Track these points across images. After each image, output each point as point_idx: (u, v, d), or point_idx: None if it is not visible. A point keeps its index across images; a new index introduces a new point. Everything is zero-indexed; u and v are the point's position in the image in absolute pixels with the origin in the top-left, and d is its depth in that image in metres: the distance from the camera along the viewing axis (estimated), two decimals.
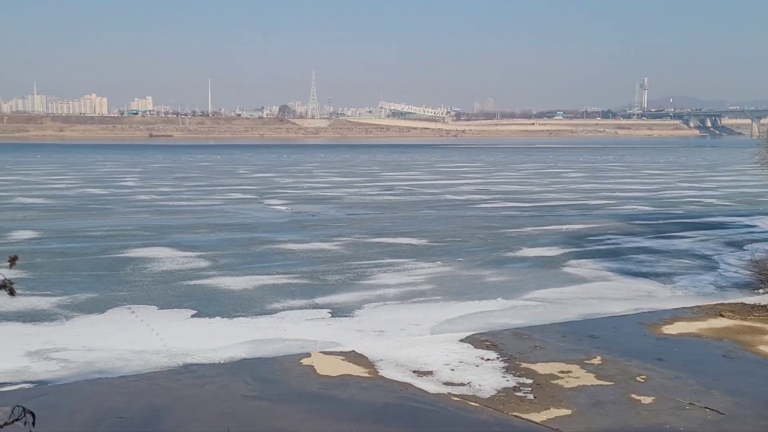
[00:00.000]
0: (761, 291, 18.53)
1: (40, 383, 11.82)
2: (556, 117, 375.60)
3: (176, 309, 16.77)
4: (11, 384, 11.67)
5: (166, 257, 23.45)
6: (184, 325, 15.46)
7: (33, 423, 3.95)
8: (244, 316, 16.23)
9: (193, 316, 16.18)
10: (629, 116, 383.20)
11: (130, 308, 16.78)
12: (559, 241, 27.13)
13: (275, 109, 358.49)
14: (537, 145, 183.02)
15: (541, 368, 12.49)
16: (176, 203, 41.35)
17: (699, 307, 16.99)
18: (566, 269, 21.84)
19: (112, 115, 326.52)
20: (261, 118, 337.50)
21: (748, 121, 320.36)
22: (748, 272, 20.81)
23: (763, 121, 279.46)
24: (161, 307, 16.89)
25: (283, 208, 38.99)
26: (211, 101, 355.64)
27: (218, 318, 16.03)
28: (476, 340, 14.17)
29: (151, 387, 11.62)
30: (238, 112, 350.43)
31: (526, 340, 14.24)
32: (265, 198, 44.40)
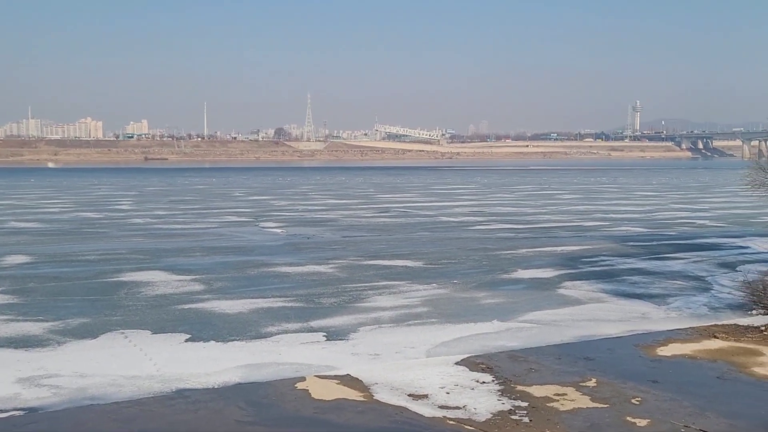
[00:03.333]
0: (754, 312, 18.56)
1: (31, 410, 11.72)
2: (549, 139, 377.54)
3: (170, 333, 16.70)
4: (2, 411, 11.58)
5: (160, 281, 23.39)
6: (177, 350, 15.38)
7: None
8: (238, 340, 16.16)
9: (187, 341, 16.10)
10: (622, 138, 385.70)
11: (123, 333, 16.69)
12: (554, 262, 27.16)
13: (271, 131, 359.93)
14: (531, 167, 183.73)
15: (537, 391, 12.45)
16: (171, 226, 41.31)
17: (693, 328, 17.00)
18: (561, 291, 21.85)
19: (107, 138, 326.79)
20: (257, 140, 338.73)
21: (739, 142, 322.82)
22: (741, 293, 20.84)
23: (753, 143, 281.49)
24: (155, 332, 16.81)
25: (278, 230, 38.98)
26: (207, 124, 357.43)
27: (212, 342, 15.96)
28: (472, 363, 14.14)
29: (144, 413, 11.54)
30: (234, 135, 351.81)
31: (522, 363, 14.21)
32: (261, 221, 44.39)
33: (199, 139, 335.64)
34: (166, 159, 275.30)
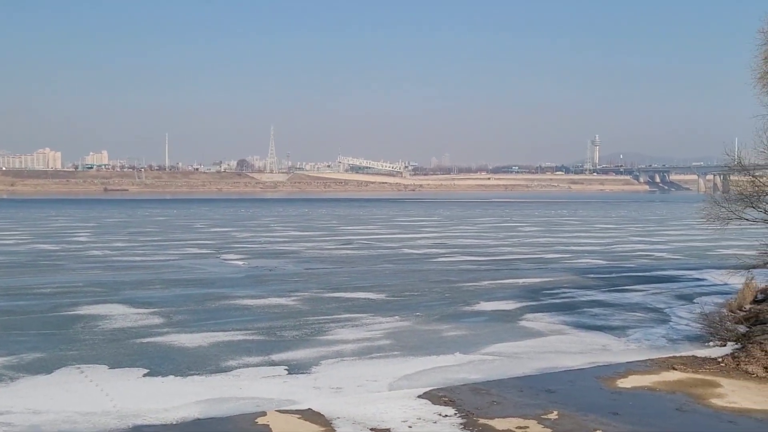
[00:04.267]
0: (711, 344, 18.88)
1: None
2: (511, 172, 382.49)
3: (128, 368, 16.36)
4: None
5: (118, 314, 22.97)
6: (135, 385, 15.08)
7: None
8: (198, 374, 15.90)
9: (145, 375, 15.79)
10: (582, 171, 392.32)
11: (79, 368, 16.31)
12: (516, 294, 27.35)
13: (233, 163, 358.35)
14: (493, 200, 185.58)
15: (499, 424, 12.46)
16: (130, 258, 40.68)
17: (652, 360, 17.22)
18: (523, 323, 21.98)
19: (66, 169, 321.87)
20: (219, 172, 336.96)
21: (695, 176, 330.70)
22: (699, 325, 21.22)
23: (708, 177, 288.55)
24: (112, 366, 16.46)
25: (240, 262, 38.64)
26: (169, 155, 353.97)
27: (171, 377, 15.68)
28: (434, 396, 14.11)
29: None
30: (195, 167, 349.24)
31: (484, 395, 14.23)
32: (222, 253, 43.98)
33: (161, 170, 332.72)
34: (127, 190, 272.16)
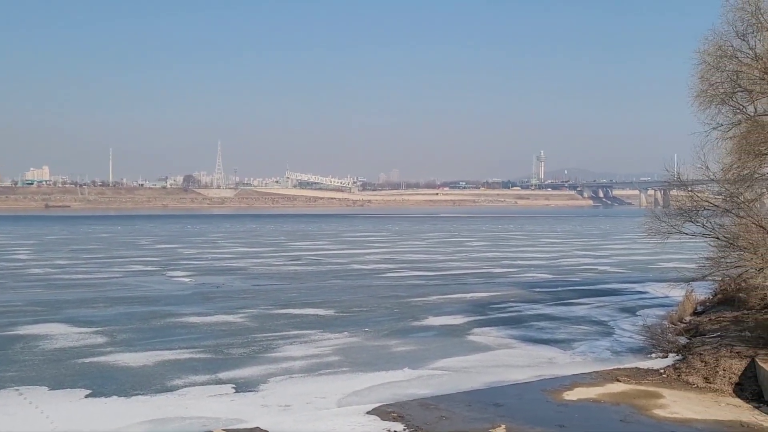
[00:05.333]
0: (654, 356, 19.33)
1: None
2: (459, 187, 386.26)
3: (69, 389, 15.93)
4: None
5: (59, 334, 22.36)
6: (77, 406, 14.68)
7: None
8: (142, 394, 15.57)
9: (87, 396, 15.39)
10: (528, 186, 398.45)
11: (17, 390, 15.80)
12: (464, 309, 27.56)
13: (180, 178, 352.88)
14: (441, 215, 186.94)
15: None
16: (72, 276, 39.69)
17: (597, 372, 17.55)
18: (471, 337, 22.16)
19: (4, 185, 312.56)
20: (165, 188, 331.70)
21: (637, 192, 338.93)
22: (642, 337, 21.73)
23: (649, 192, 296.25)
24: (53, 388, 16.00)
25: (186, 279, 38.05)
26: (113, 171, 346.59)
27: (114, 397, 15.32)
28: (383, 412, 14.10)
29: None
30: (140, 182, 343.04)
31: (433, 411, 14.28)
32: (168, 270, 43.24)
33: (104, 186, 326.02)
34: (69, 206, 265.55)
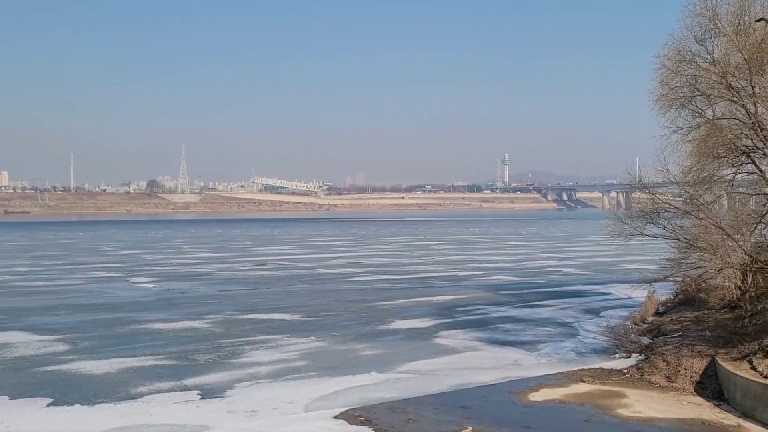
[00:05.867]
0: (617, 356, 19.62)
1: None
2: (424, 191, 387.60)
3: (30, 398, 15.64)
4: None
5: (20, 342, 21.94)
6: (38, 415, 14.42)
7: None
8: (106, 402, 15.36)
9: (49, 405, 15.13)
10: (493, 190, 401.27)
11: None
12: (430, 312, 27.67)
13: (143, 183, 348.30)
14: (407, 218, 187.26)
15: None
16: (33, 284, 38.95)
17: (562, 373, 17.76)
18: (438, 340, 22.25)
19: None
20: (128, 192, 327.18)
21: (600, 194, 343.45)
22: (605, 338, 22.04)
23: (612, 195, 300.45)
24: (13, 397, 15.71)
25: (150, 285, 37.59)
26: (74, 176, 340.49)
27: (77, 405, 15.08)
28: (350, 416, 14.09)
29: None
30: (103, 187, 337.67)
31: (400, 414, 14.31)
32: (132, 276, 42.67)
33: (65, 191, 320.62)
34: (29, 212, 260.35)
